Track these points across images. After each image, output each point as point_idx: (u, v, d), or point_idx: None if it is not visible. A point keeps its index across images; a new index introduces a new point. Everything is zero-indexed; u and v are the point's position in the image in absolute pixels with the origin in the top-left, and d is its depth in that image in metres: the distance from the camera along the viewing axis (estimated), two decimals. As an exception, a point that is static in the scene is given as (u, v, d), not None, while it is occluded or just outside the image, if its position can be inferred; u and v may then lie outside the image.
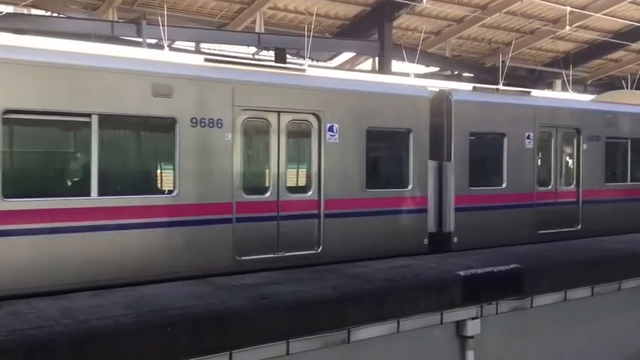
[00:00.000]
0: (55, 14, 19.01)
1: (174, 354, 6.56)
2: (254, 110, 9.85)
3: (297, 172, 10.73)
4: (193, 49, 21.79)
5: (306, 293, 7.88)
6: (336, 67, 24.90)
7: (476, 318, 9.15)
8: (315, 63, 23.63)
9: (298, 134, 10.50)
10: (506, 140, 12.73)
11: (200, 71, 9.64)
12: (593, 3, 23.85)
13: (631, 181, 15.46)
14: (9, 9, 17.88)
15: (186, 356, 6.61)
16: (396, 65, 22.86)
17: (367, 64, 26.19)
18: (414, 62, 19.42)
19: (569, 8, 22.59)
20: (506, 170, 12.73)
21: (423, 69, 25.29)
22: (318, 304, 7.74)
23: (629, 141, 15.33)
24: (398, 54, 21.81)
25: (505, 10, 23.18)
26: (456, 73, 26.90)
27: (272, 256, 9.83)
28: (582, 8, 23.50)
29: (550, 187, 13.60)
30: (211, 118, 9.38)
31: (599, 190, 14.40)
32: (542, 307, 10.00)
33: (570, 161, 14.18)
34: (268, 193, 9.96)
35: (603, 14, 24.14)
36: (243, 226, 9.60)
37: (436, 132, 11.89)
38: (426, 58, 24.11)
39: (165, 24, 14.86)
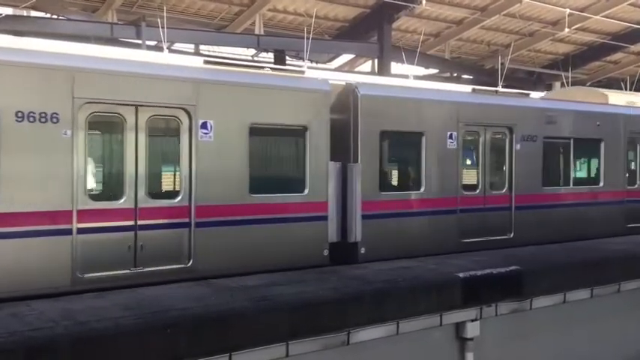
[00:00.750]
0: (55, 16, 19.04)
1: (174, 355, 6.56)
2: (102, 103, 8.49)
3: (163, 175, 9.43)
4: (193, 50, 21.83)
5: (306, 294, 7.89)
6: (335, 69, 24.94)
7: (475, 320, 9.16)
8: (314, 65, 23.65)
9: (163, 132, 9.29)
10: (424, 140, 11.44)
11: (27, 56, 8.27)
12: (592, 5, 23.88)
13: (574, 184, 14.05)
14: (8, 11, 17.89)
15: (186, 358, 6.61)
16: (395, 67, 22.88)
17: (367, 65, 26.22)
18: (413, 64, 19.44)
19: (568, 10, 22.63)
20: (425, 173, 11.45)
21: (422, 71, 25.33)
22: (318, 305, 7.75)
23: (571, 141, 13.91)
24: (397, 56, 21.85)
25: (504, 12, 23.21)
26: (455, 75, 26.95)
27: (127, 272, 8.54)
28: (581, 10, 23.54)
29: (477, 191, 12.27)
30: (44, 112, 8.03)
31: (535, 194, 13.04)
32: (542, 308, 10.01)
33: (502, 163, 12.81)
34: (123, 199, 8.62)
35: (602, 16, 24.16)
36: (88, 237, 8.30)
37: (341, 130, 10.69)
38: (426, 59, 24.14)
39: (165, 26, 14.87)
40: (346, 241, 10.54)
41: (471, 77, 26.59)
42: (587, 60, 28.67)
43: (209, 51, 22.66)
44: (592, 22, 24.97)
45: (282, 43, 21.09)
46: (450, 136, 11.84)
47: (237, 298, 7.61)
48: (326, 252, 10.25)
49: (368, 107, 10.79)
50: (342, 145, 10.70)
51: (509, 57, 22.73)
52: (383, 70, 21.94)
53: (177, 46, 20.95)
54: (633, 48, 27.74)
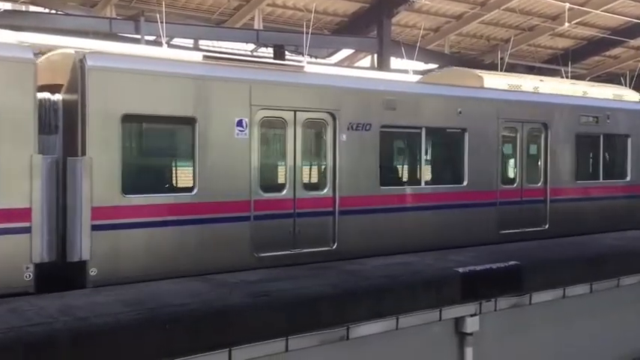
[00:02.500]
0: (54, 11, 19.03)
1: (173, 351, 6.57)
2: None
3: None
4: (192, 46, 21.80)
5: (305, 290, 7.89)
6: (335, 64, 24.93)
7: (475, 315, 9.15)
8: (313, 60, 23.64)
9: None
10: (197, 127, 8.93)
11: None
12: (592, -1, 23.91)
13: (426, 183, 11.48)
14: (7, 6, 17.88)
15: (185, 353, 6.62)
16: (395, 62, 22.87)
17: (366, 60, 26.21)
18: (412, 59, 19.43)
19: (568, 5, 22.61)
20: (198, 170, 8.96)
21: (422, 66, 25.32)
22: (317, 300, 7.75)
23: (422, 131, 11.29)
24: (397, 51, 21.85)
25: (504, 7, 23.22)
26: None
27: None
28: (581, 5, 23.52)
29: (284, 192, 9.79)
30: None
31: (369, 196, 10.59)
32: (541, 303, 10.01)
33: (321, 158, 10.42)
34: None
35: (602, 11, 24.16)
36: None
37: (69, 114, 8.37)
38: (425, 54, 24.16)
39: (164, 21, 14.87)
40: (65, 260, 8.06)
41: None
42: (586, 55, 28.69)
43: (208, 46, 22.65)
44: (592, 17, 24.96)
45: (282, 38, 21.09)
46: (240, 124, 9.35)
47: (236, 293, 7.61)
48: (28, 275, 7.72)
49: (102, 84, 8.29)
50: (66, 133, 8.43)
51: (508, 52, 22.74)
52: (382, 65, 21.93)
53: (177, 41, 20.94)
54: (633, 43, 27.74)
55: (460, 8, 23.24)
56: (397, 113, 10.88)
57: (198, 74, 9.17)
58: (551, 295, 10.14)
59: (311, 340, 7.54)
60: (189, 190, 9.01)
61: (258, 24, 20.42)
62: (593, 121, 13.91)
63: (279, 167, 10.16)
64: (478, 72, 13.58)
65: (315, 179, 10.51)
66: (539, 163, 13.14)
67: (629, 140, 14.69)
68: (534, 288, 9.87)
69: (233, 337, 6.95)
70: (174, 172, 9.53)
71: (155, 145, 9.51)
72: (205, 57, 10.05)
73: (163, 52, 10.61)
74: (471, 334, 9.11)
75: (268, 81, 9.77)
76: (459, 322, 9.10)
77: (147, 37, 17.88)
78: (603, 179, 14.29)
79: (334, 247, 10.21)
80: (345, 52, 26.08)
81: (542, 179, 13.08)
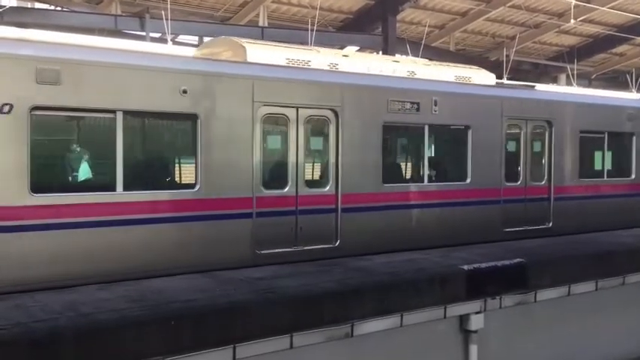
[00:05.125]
0: (59, 8, 19.07)
1: (177, 347, 6.57)
2: None
3: None
4: (197, 43, 21.81)
5: (310, 287, 7.89)
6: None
7: (479, 312, 9.14)
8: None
9: None
10: None
11: None
12: (599, -4, 23.83)
13: (129, 188, 8.31)
14: (12, 2, 17.92)
15: (189, 350, 6.62)
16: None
17: (371, 58, 26.20)
18: (417, 56, 19.39)
19: (573, 2, 22.54)
20: None
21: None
22: (322, 297, 7.75)
23: (118, 115, 8.23)
24: (402, 48, 21.82)
25: (509, 4, 23.16)
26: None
27: None
28: (587, 2, 23.45)
29: None
30: None
31: (11, 207, 7.57)
32: (546, 301, 9.99)
33: None
34: None
35: (608, 8, 24.07)
36: None
37: None
38: (430, 52, 24.08)
39: (169, 18, 14.88)
40: None
41: (476, 69, 26.54)
42: (592, 52, 28.63)
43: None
44: (598, 14, 24.88)
45: (287, 35, 21.05)
46: None
47: (241, 290, 7.61)
48: None
49: None
50: None
51: (514, 49, 22.69)
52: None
53: (182, 38, 20.96)
54: (639, 40, 27.64)
55: (465, 5, 23.19)
56: (65, 89, 7.85)
57: None
58: (556, 293, 10.11)
59: (315, 337, 7.54)
60: None
61: (262, 21, 20.42)
62: (411, 108, 10.77)
63: None
64: (243, 42, 10.32)
65: None
66: (327, 161, 10.16)
67: (470, 133, 11.54)
68: (539, 285, 9.86)
69: (238, 333, 6.96)
70: None
71: None
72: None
73: None
74: (475, 331, 9.10)
75: None
76: (463, 319, 9.09)
77: (152, 34, 17.91)
78: (429, 182, 11.22)
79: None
80: (350, 49, 26.05)
81: (330, 183, 10.06)
